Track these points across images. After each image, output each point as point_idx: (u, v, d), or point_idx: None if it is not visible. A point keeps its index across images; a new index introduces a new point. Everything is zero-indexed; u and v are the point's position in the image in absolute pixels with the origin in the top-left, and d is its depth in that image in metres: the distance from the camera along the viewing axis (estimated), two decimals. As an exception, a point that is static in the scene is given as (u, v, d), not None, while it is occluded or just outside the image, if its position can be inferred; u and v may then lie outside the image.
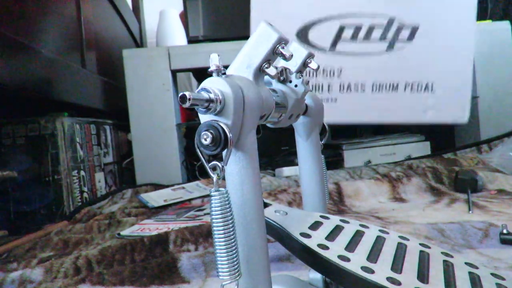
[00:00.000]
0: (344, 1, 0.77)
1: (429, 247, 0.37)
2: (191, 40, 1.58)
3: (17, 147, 0.93)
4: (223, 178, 0.26)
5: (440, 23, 0.85)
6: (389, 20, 0.80)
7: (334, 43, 0.81)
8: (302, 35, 0.77)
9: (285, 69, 0.37)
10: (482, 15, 1.81)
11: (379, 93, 0.86)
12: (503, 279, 0.34)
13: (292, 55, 0.30)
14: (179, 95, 0.23)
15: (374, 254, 0.33)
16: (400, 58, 0.84)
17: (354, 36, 0.81)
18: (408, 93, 0.89)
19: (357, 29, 0.80)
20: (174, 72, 1.40)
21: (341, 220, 0.38)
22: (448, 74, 0.91)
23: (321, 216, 0.38)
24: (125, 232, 0.76)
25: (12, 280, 0.53)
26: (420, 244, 0.37)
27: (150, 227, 0.77)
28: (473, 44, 0.90)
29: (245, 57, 0.30)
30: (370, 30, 0.81)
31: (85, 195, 1.06)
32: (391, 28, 0.81)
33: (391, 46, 0.83)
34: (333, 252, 0.32)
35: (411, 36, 0.83)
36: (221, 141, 0.25)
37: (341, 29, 0.80)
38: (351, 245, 0.33)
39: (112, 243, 0.64)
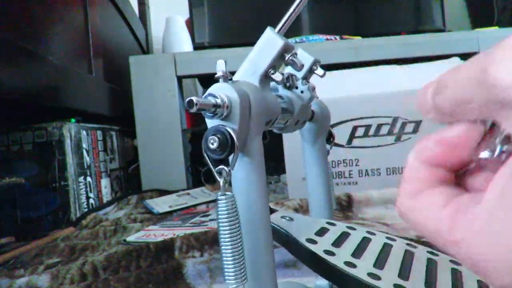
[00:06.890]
0: (353, 107, 0.98)
1: (437, 255, 0.37)
2: (197, 47, 1.59)
3: (25, 153, 0.94)
4: (230, 183, 0.26)
5: None
6: (394, 119, 0.98)
7: (350, 140, 1.00)
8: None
9: (291, 75, 0.37)
10: (489, 21, 1.81)
11: (393, 175, 1.00)
12: (512, 287, 0.33)
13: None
14: (187, 100, 0.24)
15: (381, 261, 0.32)
16: (408, 147, 1.02)
17: (365, 134, 0.99)
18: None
19: (367, 128, 0.99)
20: (180, 79, 1.41)
21: (347, 227, 0.38)
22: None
23: (328, 223, 0.38)
24: (131, 238, 0.76)
25: (19, 287, 0.54)
26: (428, 251, 0.37)
27: (156, 233, 0.77)
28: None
29: (251, 64, 0.30)
30: (378, 128, 0.99)
31: (91, 201, 1.06)
32: (396, 125, 0.99)
33: (398, 139, 1.00)
34: (340, 258, 0.31)
35: (416, 129, 0.99)
36: (228, 145, 0.25)
37: (354, 129, 0.99)
38: (358, 252, 0.33)
39: (118, 249, 0.64)
